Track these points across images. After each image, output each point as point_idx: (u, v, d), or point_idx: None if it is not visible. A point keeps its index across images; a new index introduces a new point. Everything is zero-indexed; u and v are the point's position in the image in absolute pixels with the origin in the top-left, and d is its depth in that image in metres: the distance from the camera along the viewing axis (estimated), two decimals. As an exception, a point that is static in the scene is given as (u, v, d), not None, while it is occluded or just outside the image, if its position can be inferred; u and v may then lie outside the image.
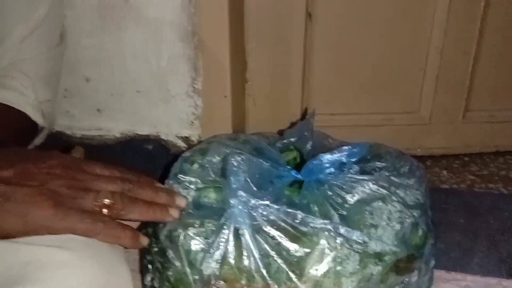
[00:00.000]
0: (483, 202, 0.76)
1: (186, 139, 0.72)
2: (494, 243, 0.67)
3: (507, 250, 0.66)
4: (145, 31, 0.66)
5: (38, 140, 0.58)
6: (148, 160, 0.71)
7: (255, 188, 0.45)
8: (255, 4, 0.72)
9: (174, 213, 0.46)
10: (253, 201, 0.43)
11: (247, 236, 0.43)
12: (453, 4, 0.75)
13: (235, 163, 0.46)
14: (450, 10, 0.76)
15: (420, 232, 0.48)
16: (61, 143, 0.70)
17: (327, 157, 0.48)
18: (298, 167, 0.54)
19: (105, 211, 0.41)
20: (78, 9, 0.65)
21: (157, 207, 0.45)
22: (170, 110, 0.70)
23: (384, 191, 0.48)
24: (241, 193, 0.43)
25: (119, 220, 0.42)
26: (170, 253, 0.46)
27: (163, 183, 0.54)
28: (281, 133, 0.63)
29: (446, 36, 0.77)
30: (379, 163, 0.54)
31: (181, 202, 0.48)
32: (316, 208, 0.47)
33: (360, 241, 0.44)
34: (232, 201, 0.43)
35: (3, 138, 0.51)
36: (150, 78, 0.68)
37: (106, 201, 0.41)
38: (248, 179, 0.45)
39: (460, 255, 0.65)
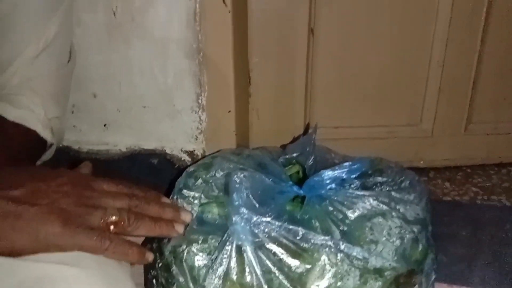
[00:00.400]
0: (486, 214, 0.77)
1: (191, 153, 0.73)
2: (497, 256, 0.68)
3: (509, 262, 0.66)
4: (151, 48, 0.68)
5: (47, 155, 0.59)
6: (154, 174, 0.73)
7: (257, 205, 0.46)
8: (258, 20, 0.74)
9: (180, 228, 0.47)
10: (255, 218, 0.44)
11: (249, 253, 0.44)
12: (454, 17, 0.76)
13: (237, 180, 0.47)
14: (451, 23, 0.77)
15: (420, 247, 0.49)
16: (68, 157, 0.72)
17: (328, 173, 0.49)
18: (301, 181, 0.55)
19: (112, 228, 0.42)
20: (86, 27, 0.67)
21: (163, 223, 0.46)
22: (175, 125, 0.72)
23: (385, 207, 0.49)
24: (243, 210, 0.44)
25: (125, 237, 0.44)
26: (174, 269, 0.47)
27: (168, 197, 0.55)
28: (284, 147, 0.64)
29: (447, 49, 0.78)
30: (380, 178, 0.55)
31: (186, 217, 0.49)
32: (317, 224, 0.48)
33: (360, 257, 0.45)
34: (234, 218, 0.44)
35: (14, 154, 0.53)
36: (156, 94, 0.70)
37: (113, 218, 0.42)
38: (250, 196, 0.46)
39: (462, 268, 0.65)
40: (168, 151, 0.73)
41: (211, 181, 0.54)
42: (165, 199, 0.50)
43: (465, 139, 0.86)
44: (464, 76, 0.81)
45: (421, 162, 0.87)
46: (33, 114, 0.56)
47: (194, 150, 0.73)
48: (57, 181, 0.43)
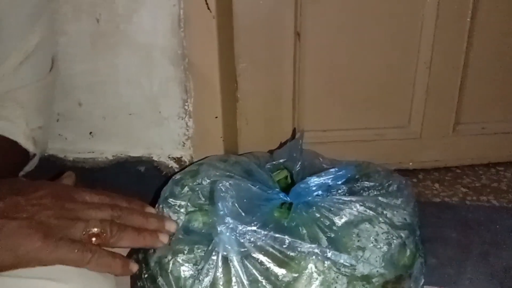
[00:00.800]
0: (475, 215, 0.77)
1: (178, 160, 0.72)
2: (486, 257, 0.68)
3: (499, 263, 0.66)
4: (136, 55, 0.67)
5: (30, 166, 0.59)
6: (141, 181, 0.72)
7: (243, 213, 0.46)
8: (244, 25, 0.73)
9: (164, 238, 0.46)
10: (240, 227, 0.44)
11: (235, 262, 0.43)
12: (440, 19, 0.77)
13: (222, 188, 0.46)
14: (437, 25, 0.77)
15: (408, 253, 0.49)
16: (54, 166, 0.71)
17: (314, 180, 0.49)
18: (289, 186, 0.55)
19: (94, 240, 0.42)
20: (70, 35, 0.66)
21: (147, 233, 0.46)
22: (162, 132, 0.71)
23: (371, 213, 0.49)
24: (228, 219, 0.44)
25: (108, 248, 0.43)
26: (160, 280, 0.46)
27: (155, 205, 0.55)
28: (272, 152, 0.63)
29: (434, 51, 0.78)
30: (367, 182, 0.55)
31: (170, 227, 0.48)
32: (304, 231, 0.48)
33: (347, 264, 0.45)
34: (219, 228, 0.44)
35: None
36: (142, 101, 0.69)
37: (95, 230, 0.42)
38: (236, 204, 0.46)
39: (452, 270, 0.66)
40: (155, 158, 0.72)
41: (197, 189, 0.54)
42: (150, 209, 0.50)
43: (454, 140, 0.86)
44: (451, 77, 0.81)
45: (410, 163, 0.87)
46: (15, 125, 0.55)
47: (182, 157, 0.72)
48: (37, 194, 0.43)
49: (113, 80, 0.69)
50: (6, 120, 0.55)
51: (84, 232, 0.42)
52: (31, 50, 0.56)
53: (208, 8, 0.65)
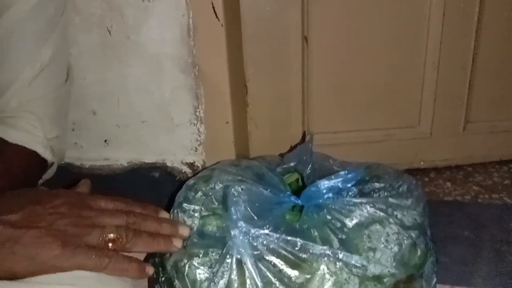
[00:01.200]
0: (487, 214, 0.77)
1: (191, 165, 0.74)
2: (499, 255, 0.68)
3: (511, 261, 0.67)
4: (147, 65, 0.69)
5: (48, 174, 0.61)
6: (155, 187, 0.73)
7: (255, 217, 0.47)
8: (252, 31, 0.74)
9: (178, 243, 0.48)
10: (253, 231, 0.45)
11: (249, 265, 0.44)
12: (446, 18, 0.77)
13: (235, 194, 0.47)
14: (444, 25, 0.77)
15: (419, 252, 0.50)
16: (70, 174, 0.73)
17: (325, 183, 0.50)
18: (300, 189, 0.56)
19: (110, 245, 0.43)
20: (82, 46, 0.68)
21: (161, 238, 0.47)
22: (174, 138, 0.73)
23: (382, 214, 0.49)
24: (241, 223, 0.45)
25: (126, 253, 0.45)
26: (177, 283, 0.47)
27: (170, 210, 0.56)
28: (283, 156, 0.64)
29: (441, 51, 0.79)
30: (377, 184, 0.56)
31: (184, 232, 0.50)
32: (316, 233, 0.49)
33: (359, 265, 0.46)
34: (233, 232, 0.45)
35: (16, 175, 0.54)
36: (154, 109, 0.71)
37: (111, 236, 0.43)
38: (248, 209, 0.47)
39: (465, 268, 0.66)
40: (168, 164, 0.74)
41: (210, 193, 0.55)
42: (164, 214, 0.51)
43: (464, 138, 0.86)
44: (460, 77, 0.81)
45: (421, 163, 0.88)
46: (33, 136, 0.57)
47: (194, 162, 0.74)
48: (54, 202, 0.45)
49: (125, 89, 0.70)
50: (24, 131, 0.56)
51: (100, 238, 0.43)
52: (46, 63, 0.58)
53: (217, 17, 0.66)
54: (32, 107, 0.58)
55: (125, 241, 0.44)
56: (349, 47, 0.78)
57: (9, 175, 0.53)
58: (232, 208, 0.46)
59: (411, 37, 0.79)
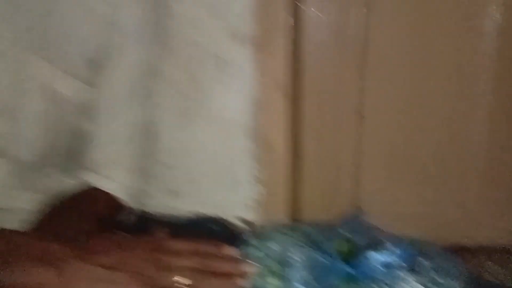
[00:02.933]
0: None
1: (248, 222, 0.80)
2: None
3: None
4: (216, 128, 0.78)
5: (125, 217, 0.68)
6: (214, 238, 0.79)
7: (312, 282, 0.52)
8: (312, 104, 0.82)
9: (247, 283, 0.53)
10: (310, 295, 0.50)
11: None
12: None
13: (295, 258, 0.53)
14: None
15: (462, 332, 0.52)
16: (143, 220, 0.81)
17: (376, 256, 0.54)
18: (351, 258, 0.60)
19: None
20: (163, 109, 0.78)
21: (233, 279, 0.53)
22: (234, 195, 0.80)
23: (428, 291, 0.53)
24: (300, 286, 0.50)
25: None
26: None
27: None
28: (334, 222, 0.69)
29: (489, 135, 0.83)
30: (425, 261, 0.59)
31: (252, 270, 0.55)
32: (367, 303, 0.53)
33: (405, 338, 0.49)
34: (292, 295, 0.50)
35: (101, 216, 0.62)
36: (219, 168, 0.79)
37: (187, 281, 0.49)
38: (305, 273, 0.52)
39: None
40: (227, 218, 0.81)
41: (269, 253, 0.60)
42: (234, 252, 0.56)
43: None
44: (510, 159, 0.85)
45: (466, 239, 0.89)
46: (116, 184, 0.66)
47: (251, 219, 0.80)
48: (139, 249, 0.52)
49: (194, 147, 0.79)
50: (107, 178, 0.65)
51: (176, 284, 0.49)
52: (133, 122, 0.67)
53: (281, 90, 0.74)
54: (117, 159, 0.67)
55: (200, 285, 0.50)
56: (401, 124, 0.84)
57: (96, 217, 0.62)
58: (291, 272, 0.52)
59: (461, 117, 0.83)
